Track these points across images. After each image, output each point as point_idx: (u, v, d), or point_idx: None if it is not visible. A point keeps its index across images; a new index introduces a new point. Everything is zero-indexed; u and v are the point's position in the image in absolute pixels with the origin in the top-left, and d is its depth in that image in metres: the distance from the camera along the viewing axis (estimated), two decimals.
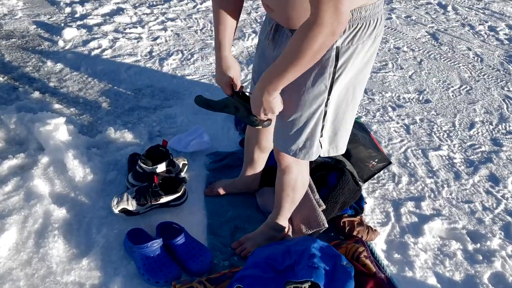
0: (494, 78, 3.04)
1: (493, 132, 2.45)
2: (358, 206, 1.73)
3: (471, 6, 4.29)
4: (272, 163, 1.87)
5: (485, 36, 3.66)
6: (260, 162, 1.74)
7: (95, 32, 3.12)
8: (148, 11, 3.55)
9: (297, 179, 1.42)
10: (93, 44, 2.95)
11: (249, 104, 1.26)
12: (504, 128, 2.49)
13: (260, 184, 1.84)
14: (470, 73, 3.08)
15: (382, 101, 2.66)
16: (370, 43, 1.13)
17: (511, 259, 1.65)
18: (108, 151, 1.97)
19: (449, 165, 2.15)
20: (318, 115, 1.22)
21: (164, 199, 1.64)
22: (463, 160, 2.20)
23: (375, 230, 1.67)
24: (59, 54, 2.82)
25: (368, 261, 1.47)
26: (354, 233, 1.62)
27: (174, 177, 1.73)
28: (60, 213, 1.60)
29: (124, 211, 1.62)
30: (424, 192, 1.96)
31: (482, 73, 3.09)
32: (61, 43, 2.93)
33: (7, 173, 1.76)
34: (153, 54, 2.94)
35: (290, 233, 1.63)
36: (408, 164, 2.12)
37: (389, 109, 2.58)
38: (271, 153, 1.92)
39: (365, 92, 2.71)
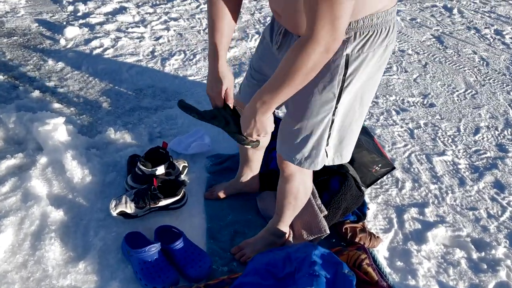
0: (500, 82, 3.00)
1: (499, 137, 2.41)
2: (361, 212, 1.70)
3: (477, 9, 4.25)
4: (273, 166, 1.84)
5: (491, 40, 3.62)
6: (255, 161, 1.71)
7: (97, 31, 3.10)
8: (151, 10, 3.53)
9: (300, 187, 1.39)
10: (95, 43, 2.93)
11: (239, 119, 1.22)
12: (510, 133, 2.46)
13: (261, 187, 1.82)
14: (476, 77, 3.04)
15: (386, 104, 2.63)
16: (381, 52, 1.09)
17: None
18: (108, 152, 1.95)
19: (454, 171, 2.12)
20: (325, 123, 1.18)
21: (163, 202, 1.61)
22: (468, 166, 2.17)
23: (377, 237, 1.64)
24: (60, 53, 2.80)
25: (370, 269, 1.44)
26: (356, 240, 1.59)
27: (174, 180, 1.70)
28: (57, 215, 1.58)
29: (122, 214, 1.59)
30: (428, 198, 1.93)
31: (488, 77, 3.05)
32: (62, 42, 2.91)
33: (5, 173, 1.74)
34: (155, 54, 2.91)
35: (290, 239, 1.60)
36: (412, 169, 2.09)
37: (393, 112, 2.55)
38: (272, 155, 1.90)
39: None
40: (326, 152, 1.25)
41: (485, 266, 1.61)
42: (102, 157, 1.90)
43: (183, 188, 1.65)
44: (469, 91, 2.86)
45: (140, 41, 3.04)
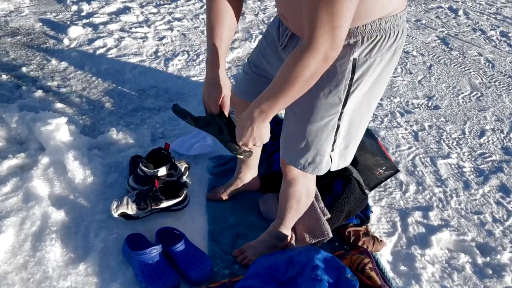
0: (505, 84, 2.97)
1: (504, 140, 2.39)
2: (364, 215, 1.68)
3: (482, 11, 4.22)
4: (276, 168, 1.83)
5: (497, 42, 3.59)
6: (253, 158, 1.69)
7: (100, 30, 3.10)
8: (155, 10, 3.52)
9: (302, 191, 1.37)
10: (98, 43, 2.92)
11: (234, 128, 1.21)
12: None
13: (263, 189, 1.80)
14: (481, 79, 3.02)
15: (391, 106, 2.60)
16: (389, 56, 1.07)
17: None
18: (110, 153, 1.94)
19: (458, 174, 2.10)
20: (330, 128, 1.16)
21: (165, 204, 1.60)
22: (472, 169, 2.14)
23: (381, 240, 1.62)
24: (64, 53, 2.80)
25: (373, 273, 1.42)
26: (360, 244, 1.57)
27: (176, 181, 1.69)
28: (58, 215, 1.57)
29: (124, 215, 1.58)
30: (432, 201, 1.91)
31: (494, 80, 3.02)
32: (66, 42, 2.91)
33: (7, 173, 1.73)
34: (159, 54, 2.90)
35: (293, 242, 1.58)
36: (416, 172, 2.07)
37: (398, 114, 2.53)
38: (275, 157, 1.88)
39: None
40: (331, 157, 1.23)
41: (490, 272, 1.59)
42: (104, 158, 1.89)
43: (185, 189, 1.64)
44: (474, 93, 2.84)
45: (143, 41, 3.03)
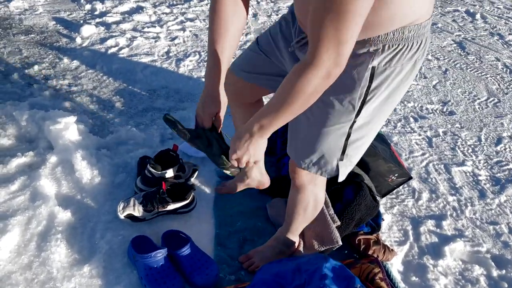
0: None
1: None
2: (375, 223, 1.64)
3: (500, 15, 4.12)
4: (285, 173, 1.79)
5: None
6: None
7: (113, 30, 3.10)
8: (167, 10, 3.52)
9: (310, 199, 1.33)
10: (110, 42, 2.92)
11: (224, 143, 1.17)
12: None
13: (271, 193, 1.77)
14: (498, 85, 2.94)
15: (404, 111, 2.55)
16: (409, 67, 1.02)
17: None
18: (118, 153, 1.92)
19: (474, 182, 2.04)
20: (340, 135, 1.12)
21: (172, 206, 1.58)
22: (488, 177, 2.08)
23: (392, 249, 1.57)
24: (76, 51, 2.80)
25: (383, 284, 1.38)
26: (370, 252, 1.53)
27: (183, 184, 1.66)
28: (64, 215, 1.55)
29: (130, 216, 1.56)
30: (445, 210, 1.85)
31: (511, 85, 2.94)
32: (78, 40, 2.91)
33: (15, 172, 1.73)
34: (170, 54, 2.89)
35: (301, 249, 1.55)
36: (430, 180, 2.01)
37: (411, 120, 2.47)
38: (285, 160, 1.84)
39: None
40: (338, 166, 1.19)
41: (506, 285, 1.54)
42: (113, 158, 1.88)
43: (192, 192, 1.62)
44: (491, 99, 2.77)
45: (155, 41, 3.02)
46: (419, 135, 2.34)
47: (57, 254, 1.42)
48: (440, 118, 2.52)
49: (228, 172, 1.20)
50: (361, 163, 1.72)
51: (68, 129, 1.85)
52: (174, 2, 3.69)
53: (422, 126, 2.42)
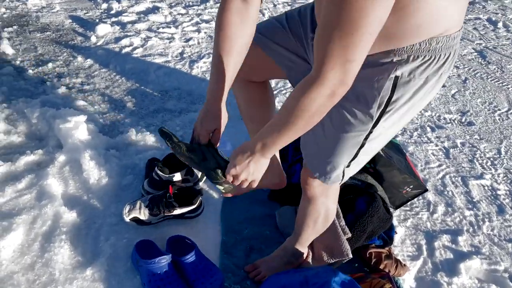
0: None
1: None
2: (388, 236, 1.58)
3: None
4: (295, 181, 1.74)
5: None
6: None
7: (128, 29, 3.09)
8: (183, 11, 3.50)
9: (321, 211, 1.28)
10: (125, 41, 2.91)
11: (221, 158, 1.14)
12: None
13: (281, 201, 1.72)
14: None
15: (421, 120, 2.48)
16: (434, 80, 0.96)
17: None
18: (127, 154, 1.90)
19: (492, 197, 1.96)
20: (353, 145, 1.07)
21: (178, 211, 1.54)
22: (508, 192, 2.00)
23: (404, 265, 1.51)
24: (90, 50, 2.80)
25: None
26: (381, 267, 1.47)
27: (191, 188, 1.63)
28: (70, 216, 1.53)
29: (136, 220, 1.53)
30: (462, 225, 1.78)
31: None
32: (93, 39, 2.91)
33: (23, 170, 1.72)
34: (184, 55, 2.87)
35: (309, 260, 1.49)
36: (446, 192, 1.94)
37: (428, 129, 2.40)
38: (295, 168, 1.79)
39: None
40: (344, 172, 1.15)
41: None
42: (121, 159, 1.85)
43: (199, 197, 1.58)
44: None
45: (170, 42, 3.00)
46: (436, 145, 2.27)
47: (60, 256, 1.40)
48: (458, 129, 2.44)
49: (221, 187, 1.16)
50: (375, 173, 1.66)
51: (78, 128, 1.83)
52: (190, 3, 3.68)
53: (439, 136, 2.35)
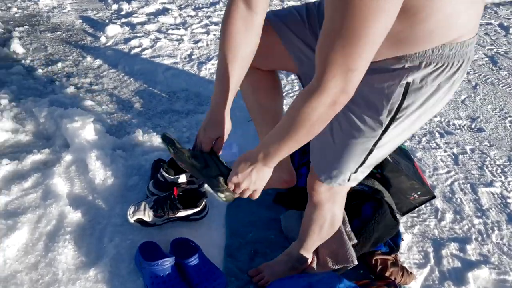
0: None
1: None
2: (394, 243, 1.56)
3: None
4: (301, 184, 1.73)
5: None
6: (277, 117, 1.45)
7: (137, 30, 3.11)
8: (193, 13, 3.51)
9: (327, 217, 1.27)
10: (134, 42, 2.92)
11: (224, 166, 1.14)
12: None
13: (286, 204, 1.71)
14: None
15: (430, 125, 2.45)
16: (447, 87, 0.94)
17: None
18: (133, 155, 1.90)
19: (502, 205, 1.92)
20: (361, 151, 1.05)
21: (183, 213, 1.54)
22: None
23: (410, 272, 1.49)
24: (99, 50, 2.81)
25: None
26: (387, 274, 1.44)
27: (196, 190, 1.62)
28: (74, 216, 1.53)
29: (140, 221, 1.52)
30: (470, 233, 1.75)
31: None
32: (103, 39, 2.93)
33: (29, 168, 1.72)
34: (193, 57, 2.87)
35: (314, 265, 1.48)
36: (454, 199, 1.91)
37: (437, 135, 2.37)
38: (302, 171, 1.78)
39: None
40: (350, 177, 1.13)
41: None
42: (127, 160, 1.85)
43: (204, 199, 1.57)
44: None
45: (179, 43, 3.01)
46: (445, 151, 2.24)
47: (64, 256, 1.40)
48: (467, 135, 2.40)
49: (222, 195, 1.15)
50: (383, 179, 1.64)
51: (85, 128, 1.84)
52: (200, 5, 3.68)
53: (448, 142, 2.31)
